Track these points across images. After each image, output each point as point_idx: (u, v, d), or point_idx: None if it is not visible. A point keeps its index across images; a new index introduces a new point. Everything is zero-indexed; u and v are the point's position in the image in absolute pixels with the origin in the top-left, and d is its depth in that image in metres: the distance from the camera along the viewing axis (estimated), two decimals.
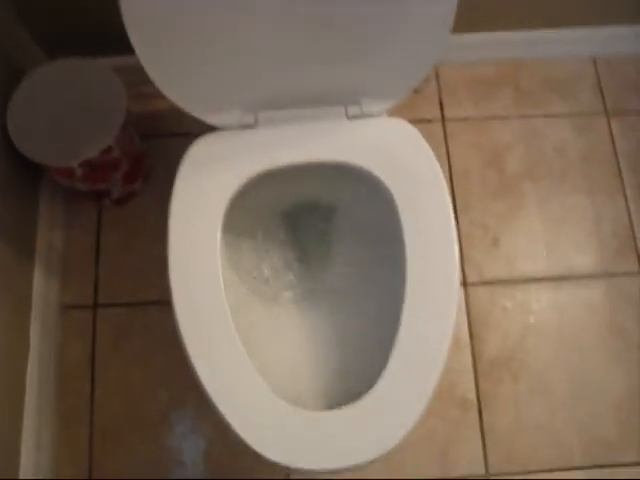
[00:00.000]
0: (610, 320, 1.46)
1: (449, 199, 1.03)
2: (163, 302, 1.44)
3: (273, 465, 1.27)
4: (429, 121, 1.61)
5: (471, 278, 1.49)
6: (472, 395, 1.40)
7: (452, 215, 1.02)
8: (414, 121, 1.09)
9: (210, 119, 1.06)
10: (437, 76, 1.66)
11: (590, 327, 1.45)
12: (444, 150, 1.59)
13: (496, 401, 1.40)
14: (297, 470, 0.90)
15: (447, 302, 0.99)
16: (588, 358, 1.43)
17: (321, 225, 1.28)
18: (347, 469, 0.90)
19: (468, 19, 1.47)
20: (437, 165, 1.05)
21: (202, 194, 1.02)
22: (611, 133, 1.61)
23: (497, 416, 1.39)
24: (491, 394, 1.40)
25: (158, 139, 1.58)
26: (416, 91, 1.63)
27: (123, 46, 1.39)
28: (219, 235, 1.01)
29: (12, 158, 1.28)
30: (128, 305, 1.46)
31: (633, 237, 1.52)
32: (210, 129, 1.08)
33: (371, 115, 1.08)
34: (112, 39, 1.39)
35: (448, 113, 1.63)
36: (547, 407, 1.40)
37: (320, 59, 1.02)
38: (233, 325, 0.96)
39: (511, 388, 1.41)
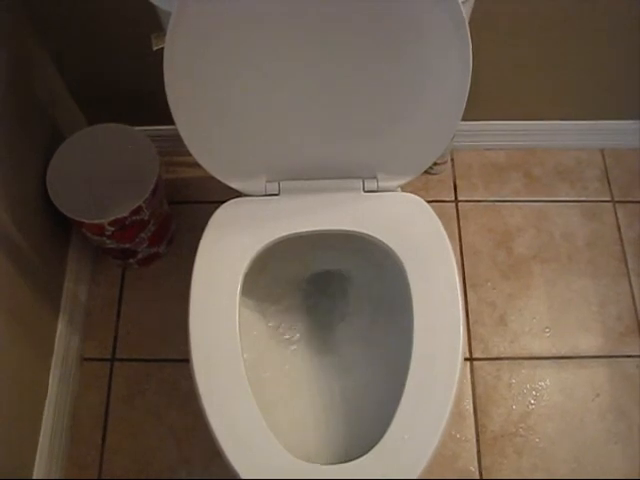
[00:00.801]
0: (612, 401, 1.48)
1: (457, 273, 1.08)
2: (178, 360, 1.50)
3: None
4: (443, 202, 1.69)
5: (477, 353, 1.52)
6: (474, 467, 1.42)
7: (459, 289, 1.07)
8: (429, 201, 1.16)
9: (237, 185, 1.14)
10: (452, 160, 1.75)
11: (593, 407, 1.48)
12: (456, 229, 1.65)
13: (498, 475, 1.41)
14: None
15: (450, 372, 1.01)
16: (590, 438, 1.45)
17: (335, 293, 1.33)
18: None
19: (483, 108, 1.57)
20: (447, 240, 1.11)
21: (224, 256, 1.09)
22: (617, 220, 1.67)
23: None
24: (494, 468, 1.42)
25: (183, 205, 1.67)
26: (435, 173, 1.72)
27: (157, 118, 1.50)
28: (238, 296, 1.06)
29: (48, 214, 1.36)
30: (144, 361, 1.51)
31: (637, 321, 1.56)
32: (233, 198, 1.16)
33: (386, 190, 1.15)
34: (148, 111, 1.49)
35: (461, 195, 1.71)
36: None
37: (341, 137, 1.10)
38: (248, 383, 1.00)
39: (514, 463, 1.42)
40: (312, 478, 0.95)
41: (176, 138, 1.37)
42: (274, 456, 0.96)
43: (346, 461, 0.97)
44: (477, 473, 1.41)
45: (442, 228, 1.12)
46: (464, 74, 1.00)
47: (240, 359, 1.01)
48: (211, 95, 1.01)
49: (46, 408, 1.36)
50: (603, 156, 1.76)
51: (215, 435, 0.96)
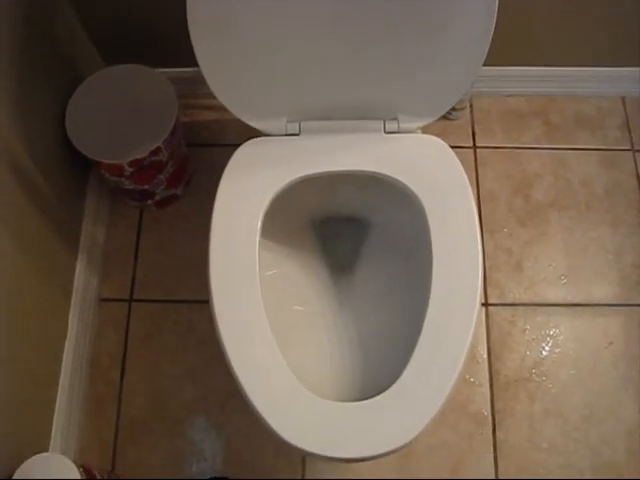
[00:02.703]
0: (626, 349, 1.49)
1: (476, 216, 1.08)
2: (195, 301, 1.52)
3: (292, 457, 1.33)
4: (461, 147, 1.68)
5: (492, 299, 1.53)
6: (487, 411, 1.44)
7: (478, 232, 1.07)
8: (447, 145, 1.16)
9: (257, 125, 1.14)
10: (471, 106, 1.73)
11: (606, 355, 1.49)
12: (474, 176, 1.65)
13: (511, 419, 1.43)
14: (313, 455, 0.93)
15: (468, 315, 1.02)
16: (603, 384, 1.46)
17: (353, 236, 1.33)
18: (364, 459, 0.94)
19: (503, 53, 1.54)
20: (467, 182, 1.10)
21: (244, 194, 1.09)
22: (636, 169, 1.66)
23: (511, 434, 1.42)
24: (506, 412, 1.44)
25: (200, 148, 1.67)
26: (453, 119, 1.70)
27: (175, 59, 1.49)
28: (258, 236, 1.06)
29: (67, 154, 1.36)
30: (162, 302, 1.53)
31: None
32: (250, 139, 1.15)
33: (407, 131, 1.14)
34: (166, 52, 1.48)
35: (479, 141, 1.70)
36: (561, 429, 1.43)
37: (362, 78, 1.09)
38: (268, 323, 1.01)
39: (526, 408, 1.44)
40: (332, 415, 0.96)
41: (194, 80, 1.37)
42: (294, 394, 0.97)
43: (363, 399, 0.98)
44: (490, 417, 1.43)
45: (463, 170, 1.11)
46: (489, 16, 0.99)
47: (260, 299, 1.02)
48: (235, 34, 1.00)
49: (66, 346, 1.39)
50: (624, 104, 1.74)
51: (236, 374, 0.97)
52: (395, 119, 1.14)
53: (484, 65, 1.06)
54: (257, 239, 1.06)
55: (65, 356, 1.38)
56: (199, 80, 1.07)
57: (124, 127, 1.34)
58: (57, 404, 1.33)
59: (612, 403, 1.46)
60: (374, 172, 1.11)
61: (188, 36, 1.00)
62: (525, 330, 1.51)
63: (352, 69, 1.08)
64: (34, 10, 1.24)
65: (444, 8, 0.98)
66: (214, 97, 1.09)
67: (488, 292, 1.54)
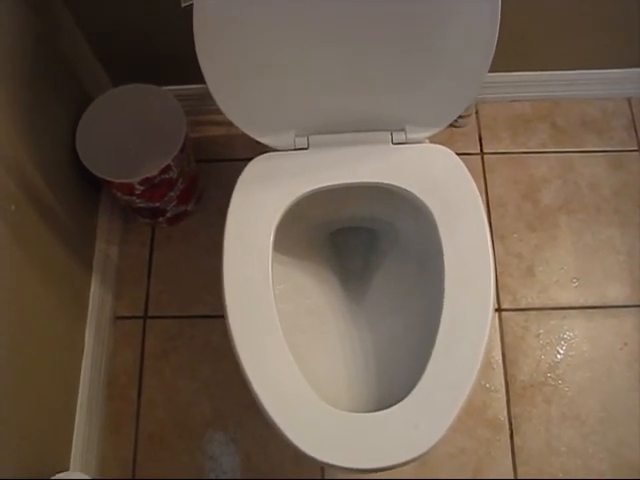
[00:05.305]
0: None
1: (486, 223, 1.08)
2: (210, 316, 1.53)
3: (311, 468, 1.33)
4: (468, 154, 1.69)
5: (505, 304, 1.54)
6: (504, 417, 1.44)
7: (489, 239, 1.07)
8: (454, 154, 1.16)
9: (266, 140, 1.14)
10: (477, 112, 1.74)
11: (620, 356, 1.49)
12: (482, 182, 1.65)
13: (528, 424, 1.43)
14: (332, 466, 0.93)
15: (481, 322, 1.02)
16: (618, 386, 1.46)
17: (364, 247, 1.34)
18: (383, 469, 0.94)
19: (507, 59, 1.55)
20: (476, 190, 1.11)
21: (256, 209, 1.09)
22: None
23: (528, 439, 1.42)
24: (523, 417, 1.44)
25: (209, 164, 1.68)
26: (459, 126, 1.71)
27: (181, 77, 1.50)
28: (270, 249, 1.07)
29: (78, 175, 1.38)
30: (177, 318, 1.54)
31: None
32: (259, 154, 1.16)
33: (414, 141, 1.15)
34: (172, 70, 1.49)
35: (486, 147, 1.70)
36: (578, 432, 1.43)
37: (369, 90, 1.10)
38: (283, 335, 1.01)
39: (543, 412, 1.44)
40: (349, 426, 0.97)
41: (201, 97, 1.38)
42: (311, 406, 0.97)
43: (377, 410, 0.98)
44: (507, 422, 1.43)
45: (471, 178, 1.12)
46: (492, 25, 0.99)
47: (274, 312, 1.03)
48: (241, 51, 1.01)
49: (83, 365, 1.40)
50: (630, 105, 1.74)
51: (252, 387, 0.97)
52: (402, 130, 1.15)
53: (490, 71, 1.07)
54: (270, 253, 1.06)
55: (82, 375, 1.39)
56: (206, 96, 1.08)
57: (134, 146, 1.36)
58: (76, 422, 1.35)
59: (628, 404, 1.46)
60: (383, 183, 1.12)
61: (194, 54, 1.00)
62: (539, 334, 1.51)
63: (358, 82, 1.09)
64: (41, 34, 1.26)
65: (447, 18, 0.99)
66: (222, 113, 1.10)
67: (500, 298, 1.54)
